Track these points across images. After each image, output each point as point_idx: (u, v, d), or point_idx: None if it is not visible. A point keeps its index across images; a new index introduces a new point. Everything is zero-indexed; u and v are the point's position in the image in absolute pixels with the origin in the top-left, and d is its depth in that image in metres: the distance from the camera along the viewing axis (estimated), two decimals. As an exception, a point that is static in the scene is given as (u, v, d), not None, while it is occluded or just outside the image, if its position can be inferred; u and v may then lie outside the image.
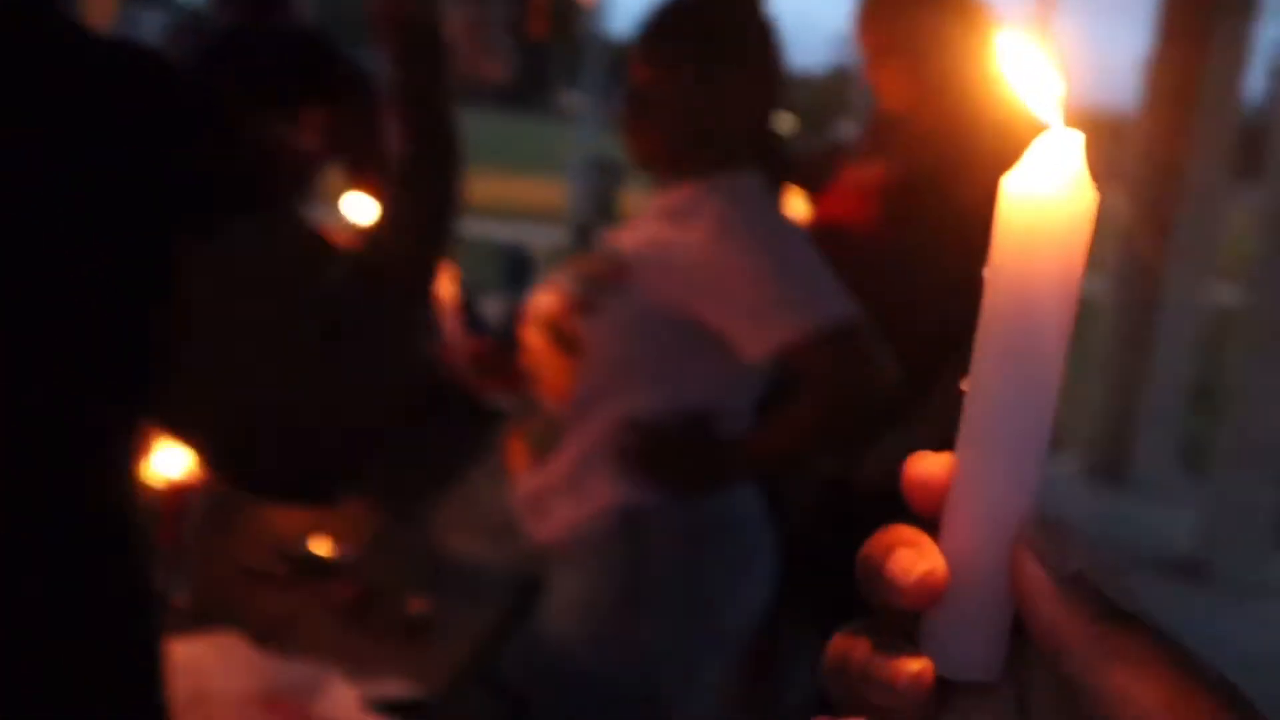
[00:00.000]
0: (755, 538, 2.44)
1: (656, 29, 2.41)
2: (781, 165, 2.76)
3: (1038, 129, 0.55)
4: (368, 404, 1.31)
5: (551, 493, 2.39)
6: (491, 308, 3.69)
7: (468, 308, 3.39)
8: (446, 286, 2.38)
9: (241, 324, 1.21)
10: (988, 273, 0.55)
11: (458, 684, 2.01)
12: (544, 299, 2.44)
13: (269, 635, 1.97)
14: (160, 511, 1.97)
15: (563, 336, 2.37)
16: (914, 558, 0.55)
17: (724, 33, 2.39)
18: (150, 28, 5.32)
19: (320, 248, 1.28)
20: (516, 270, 8.65)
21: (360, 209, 3.28)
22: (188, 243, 1.17)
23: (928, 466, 0.57)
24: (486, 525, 2.53)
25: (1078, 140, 0.54)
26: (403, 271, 1.44)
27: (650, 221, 2.41)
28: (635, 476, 2.33)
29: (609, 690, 2.33)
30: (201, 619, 1.98)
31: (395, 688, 1.89)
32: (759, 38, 2.41)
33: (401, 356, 1.38)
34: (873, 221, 2.93)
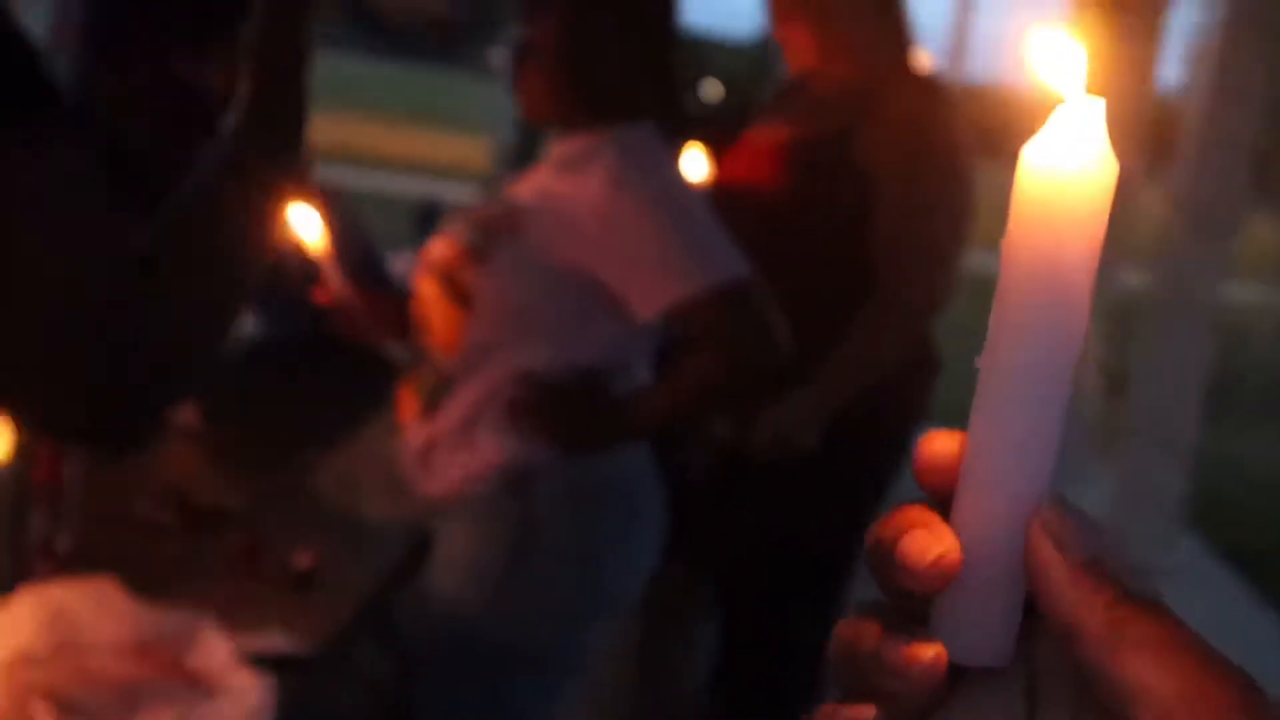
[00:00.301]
0: (645, 499, 2.42)
1: None
2: (682, 120, 2.75)
3: (1055, 99, 0.53)
4: (160, 345, 1.27)
5: (440, 446, 2.35)
6: (403, 265, 3.65)
7: (374, 262, 3.35)
8: (322, 237, 2.33)
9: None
10: (1005, 245, 0.53)
11: (343, 639, 1.99)
12: (438, 247, 2.40)
13: (152, 585, 1.92)
14: (36, 454, 1.92)
15: (454, 286, 2.33)
16: (928, 540, 0.53)
17: None
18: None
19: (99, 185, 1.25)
20: (431, 226, 8.56)
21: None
22: None
23: (939, 445, 0.56)
24: (383, 479, 2.49)
25: (1099, 110, 0.53)
26: (226, 214, 1.40)
27: (546, 171, 2.38)
28: (524, 432, 2.30)
29: (494, 647, 2.30)
30: (84, 565, 1.94)
31: (274, 641, 1.87)
32: None
33: (203, 302, 1.34)
34: (774, 182, 2.92)
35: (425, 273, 2.39)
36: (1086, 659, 0.50)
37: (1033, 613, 0.54)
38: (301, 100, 1.50)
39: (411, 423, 2.41)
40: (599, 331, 2.31)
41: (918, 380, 3.12)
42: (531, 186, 2.38)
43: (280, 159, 1.48)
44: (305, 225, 2.29)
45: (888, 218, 2.81)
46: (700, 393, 2.28)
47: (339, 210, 3.74)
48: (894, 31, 2.98)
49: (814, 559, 3.01)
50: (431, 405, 2.37)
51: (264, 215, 1.46)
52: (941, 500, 0.55)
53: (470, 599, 2.30)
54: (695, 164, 2.97)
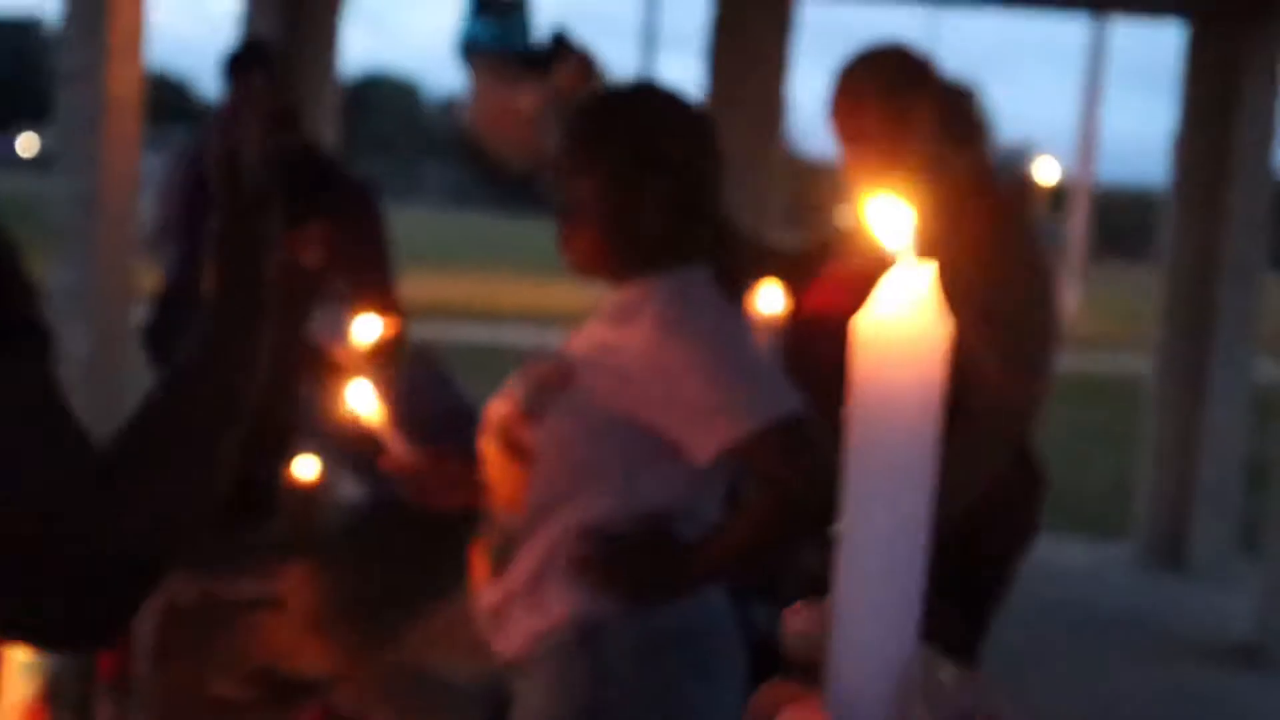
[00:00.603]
0: (722, 644, 2.37)
1: (576, 135, 2.39)
2: (741, 259, 2.74)
3: (890, 264, 0.55)
4: (132, 543, 1.29)
5: (510, 605, 2.34)
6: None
7: (466, 421, 3.36)
8: (379, 407, 2.36)
9: None
10: (848, 413, 0.55)
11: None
12: (497, 406, 2.40)
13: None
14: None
15: (512, 444, 2.33)
16: (801, 715, 0.53)
17: (641, 133, 2.36)
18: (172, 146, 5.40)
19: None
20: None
21: (368, 328, 3.28)
22: None
23: (805, 618, 0.56)
24: (466, 643, 2.48)
25: (928, 273, 0.54)
26: (195, 414, 1.42)
27: (597, 323, 2.39)
28: (591, 585, 2.28)
29: None
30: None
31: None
32: (683, 134, 2.39)
33: (181, 495, 1.36)
34: (850, 314, 2.89)
35: (486, 433, 2.40)
36: None
37: None
38: (262, 288, 1.53)
39: (482, 584, 2.40)
40: (659, 478, 2.30)
41: (1020, 496, 3.05)
42: (584, 339, 2.38)
43: (247, 342, 1.50)
44: (360, 398, 2.33)
45: (970, 335, 2.77)
46: (763, 533, 2.25)
47: (429, 370, 3.79)
48: (966, 149, 2.96)
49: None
50: (500, 565, 2.36)
51: (236, 394, 1.48)
52: (816, 673, 0.55)
53: None
54: (770, 300, 2.97)
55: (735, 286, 2.49)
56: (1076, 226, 29.83)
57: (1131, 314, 8.50)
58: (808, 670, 0.56)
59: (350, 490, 3.14)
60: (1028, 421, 2.90)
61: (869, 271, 2.22)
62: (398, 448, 2.39)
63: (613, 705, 2.27)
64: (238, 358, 1.50)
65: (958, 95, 2.99)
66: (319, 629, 2.53)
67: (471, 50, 3.76)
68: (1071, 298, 27.45)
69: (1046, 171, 37.13)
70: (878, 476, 0.54)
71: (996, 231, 2.85)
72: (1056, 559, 7.80)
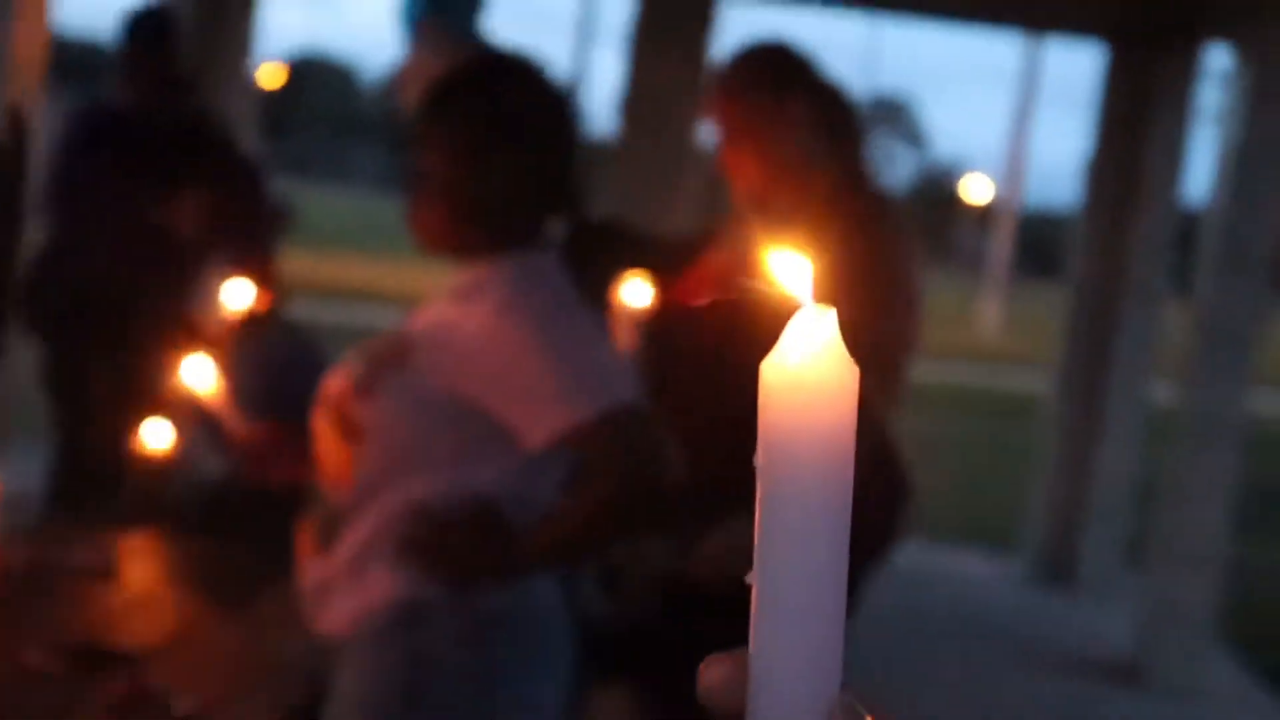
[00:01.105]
0: (548, 633, 2.34)
1: (428, 108, 2.36)
2: (610, 248, 2.72)
3: (793, 309, 0.55)
4: None
5: (333, 583, 2.30)
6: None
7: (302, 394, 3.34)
8: (215, 385, 2.33)
9: None
10: (758, 458, 0.55)
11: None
12: (332, 382, 2.37)
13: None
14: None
15: (343, 421, 2.30)
16: None
17: (496, 111, 2.33)
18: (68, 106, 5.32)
19: None
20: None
21: (239, 296, 3.23)
22: None
23: (722, 668, 0.55)
24: (294, 619, 2.44)
25: (831, 319, 0.55)
26: None
27: (442, 301, 2.35)
28: (415, 567, 2.24)
29: None
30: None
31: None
32: (537, 111, 2.36)
33: None
34: (716, 308, 2.89)
35: (320, 409, 2.36)
36: None
37: None
38: None
39: (307, 561, 2.36)
40: (490, 461, 2.26)
41: (878, 499, 3.05)
42: (427, 317, 2.35)
43: None
44: (196, 372, 2.30)
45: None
46: (593, 521, 2.22)
47: (304, 349, 3.75)
48: (842, 154, 2.96)
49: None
50: (326, 542, 2.32)
51: None
52: None
53: None
54: (636, 291, 2.95)
55: (594, 275, 2.47)
56: (1000, 245, 30.10)
57: (1050, 332, 8.62)
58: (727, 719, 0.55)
59: (214, 464, 3.09)
60: (879, 428, 2.90)
61: (735, 264, 2.22)
62: (233, 422, 2.35)
63: (431, 690, 2.23)
64: None
65: (835, 96, 2.98)
66: (146, 603, 2.49)
67: (413, 19, 3.72)
68: (994, 315, 27.69)
69: (977, 189, 37.42)
70: (791, 522, 0.54)
71: (857, 235, 2.84)
72: (948, 570, 7.86)
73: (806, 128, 2.92)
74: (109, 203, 4.25)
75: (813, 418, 0.53)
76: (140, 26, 4.56)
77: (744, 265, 3.02)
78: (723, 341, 2.89)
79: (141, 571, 2.59)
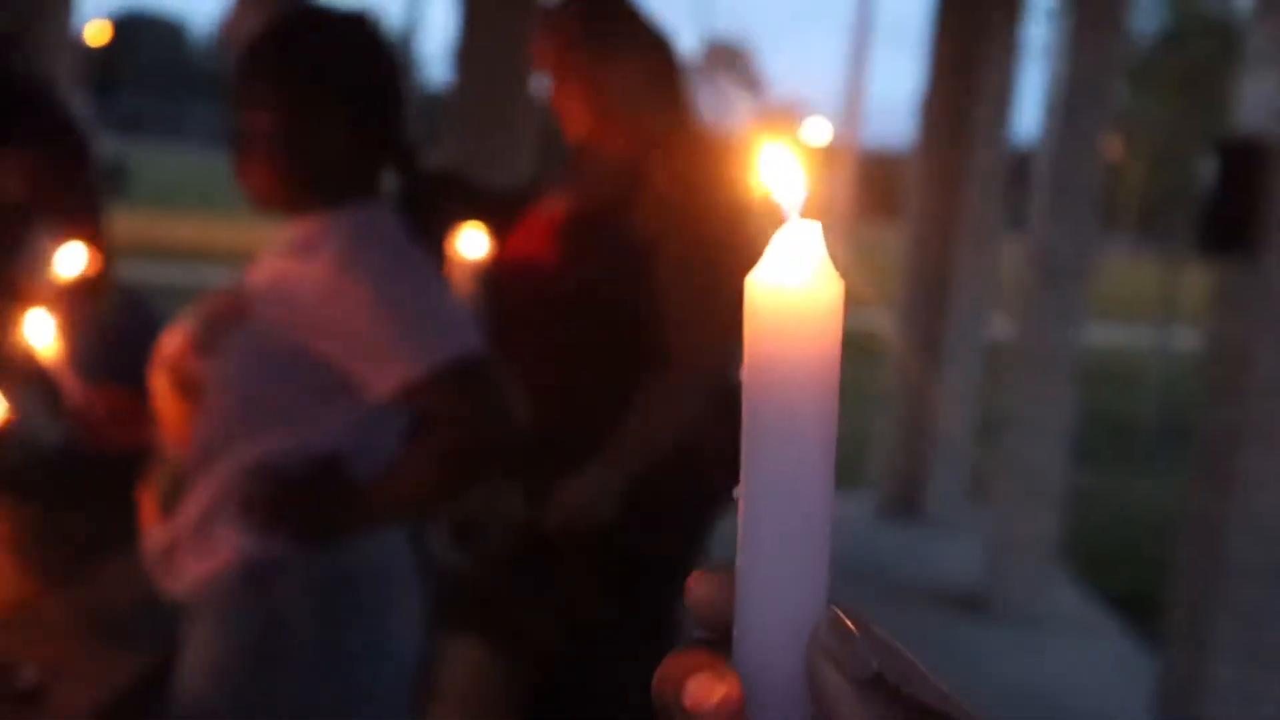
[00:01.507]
0: (398, 586, 2.33)
1: (247, 68, 2.32)
2: (444, 198, 2.70)
3: (778, 221, 0.53)
4: None
5: (178, 546, 2.27)
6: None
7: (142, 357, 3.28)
8: (54, 344, 2.27)
9: None
10: (744, 375, 0.53)
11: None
12: (169, 341, 2.33)
13: None
14: None
15: (182, 380, 2.26)
16: (709, 683, 0.52)
17: (315, 60, 2.30)
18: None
19: None
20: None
21: (71, 260, 3.15)
22: None
23: (709, 583, 0.55)
24: (140, 583, 2.40)
25: (817, 231, 0.53)
26: None
27: (277, 256, 2.32)
28: (259, 526, 2.21)
29: None
30: None
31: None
32: (360, 61, 2.34)
33: None
34: (553, 258, 2.89)
35: (157, 368, 2.32)
36: None
37: None
38: None
39: (151, 524, 2.32)
40: (334, 416, 2.23)
41: (726, 447, 3.08)
42: (263, 272, 2.31)
43: None
44: (38, 333, 2.24)
45: (666, 283, 2.78)
46: (438, 473, 2.21)
47: (139, 312, 3.68)
48: (668, 99, 2.97)
49: (617, 632, 2.96)
50: (169, 505, 2.28)
51: None
52: (720, 639, 0.54)
53: (215, 706, 2.21)
54: (473, 243, 2.94)
55: (433, 225, 2.45)
56: (841, 186, 30.41)
57: (891, 273, 8.74)
58: (713, 636, 0.55)
59: (47, 431, 3.02)
60: (724, 369, 2.92)
61: (563, 219, 2.21)
62: (71, 386, 2.30)
63: (282, 649, 2.21)
64: None
65: (658, 42, 2.99)
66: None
67: None
68: (836, 256, 28.02)
69: (817, 132, 37.73)
70: (777, 438, 0.53)
71: (689, 178, 2.86)
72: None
73: (632, 74, 2.93)
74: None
75: (798, 332, 0.52)
76: None
77: (565, 212, 3.03)
78: (563, 291, 2.89)
79: (-22, 543, 2.53)
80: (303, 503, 2.21)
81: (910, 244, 8.14)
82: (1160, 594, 5.31)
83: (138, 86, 52.18)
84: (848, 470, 9.22)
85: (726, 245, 2.82)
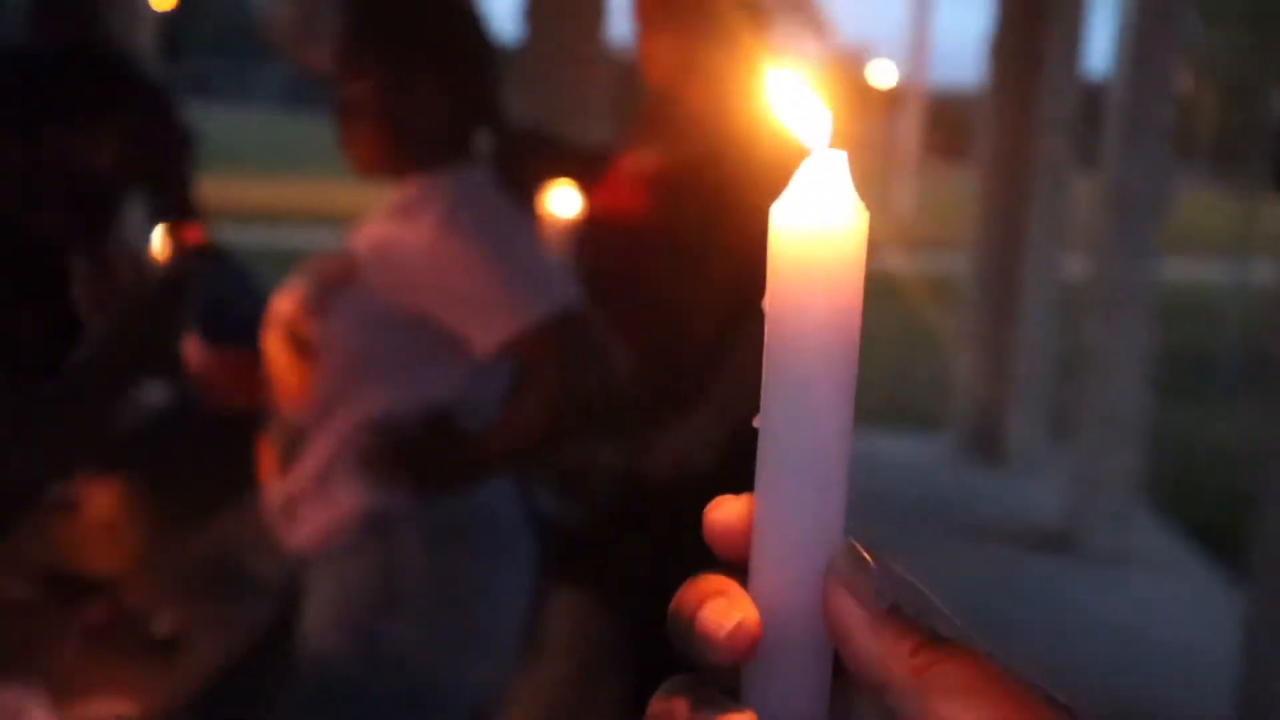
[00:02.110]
0: (510, 533, 2.43)
1: (350, 32, 2.40)
2: (530, 158, 2.76)
3: (801, 154, 0.54)
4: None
5: (299, 499, 2.37)
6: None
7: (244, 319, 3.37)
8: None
9: None
10: (766, 307, 0.53)
11: (199, 702, 2.00)
12: (281, 303, 2.42)
13: (10, 664, 1.94)
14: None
15: (296, 340, 2.35)
16: (725, 608, 0.52)
17: (416, 34, 2.38)
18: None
19: None
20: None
21: (175, 233, 3.25)
22: None
23: (727, 511, 0.55)
24: (261, 535, 2.50)
25: (842, 162, 0.53)
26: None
27: (382, 219, 2.41)
28: (378, 478, 2.31)
29: (367, 695, 2.31)
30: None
31: (105, 709, 1.88)
32: (461, 34, 2.41)
33: None
34: (645, 212, 2.93)
35: (271, 330, 2.41)
36: (899, 711, 0.49)
37: (843, 670, 0.53)
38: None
39: (270, 479, 2.42)
40: (443, 371, 2.34)
41: None
42: (368, 235, 2.40)
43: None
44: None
45: (759, 232, 2.82)
46: (542, 422, 2.31)
47: (228, 271, 3.77)
48: (753, 46, 2.99)
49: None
50: (288, 460, 2.38)
51: None
52: (739, 565, 0.54)
53: (340, 650, 2.31)
54: (564, 201, 2.99)
55: (522, 185, 2.52)
56: (909, 128, 30.18)
57: (962, 215, 8.69)
58: (731, 563, 0.55)
59: (153, 393, 3.12)
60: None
61: (650, 169, 2.27)
62: (193, 349, 2.40)
63: (403, 595, 2.31)
64: None
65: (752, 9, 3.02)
66: (111, 529, 2.54)
67: None
68: (906, 200, 27.81)
69: (883, 75, 37.41)
70: (798, 368, 0.53)
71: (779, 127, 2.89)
72: (880, 452, 7.99)
73: (723, 21, 2.95)
74: (19, 146, 4.20)
75: (822, 263, 0.52)
76: None
77: (655, 166, 3.07)
78: (657, 245, 2.95)
79: (102, 500, 2.64)
80: (418, 453, 2.31)
81: (982, 184, 8.11)
82: (1244, 528, 5.32)
83: (204, 50, 52.40)
84: (927, 413, 9.24)
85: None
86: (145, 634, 2.10)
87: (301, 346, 2.34)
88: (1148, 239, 6.43)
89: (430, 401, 2.33)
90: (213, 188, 4.55)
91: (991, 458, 7.99)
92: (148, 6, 7.72)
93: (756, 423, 0.54)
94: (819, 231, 0.52)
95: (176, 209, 3.63)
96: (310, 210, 19.11)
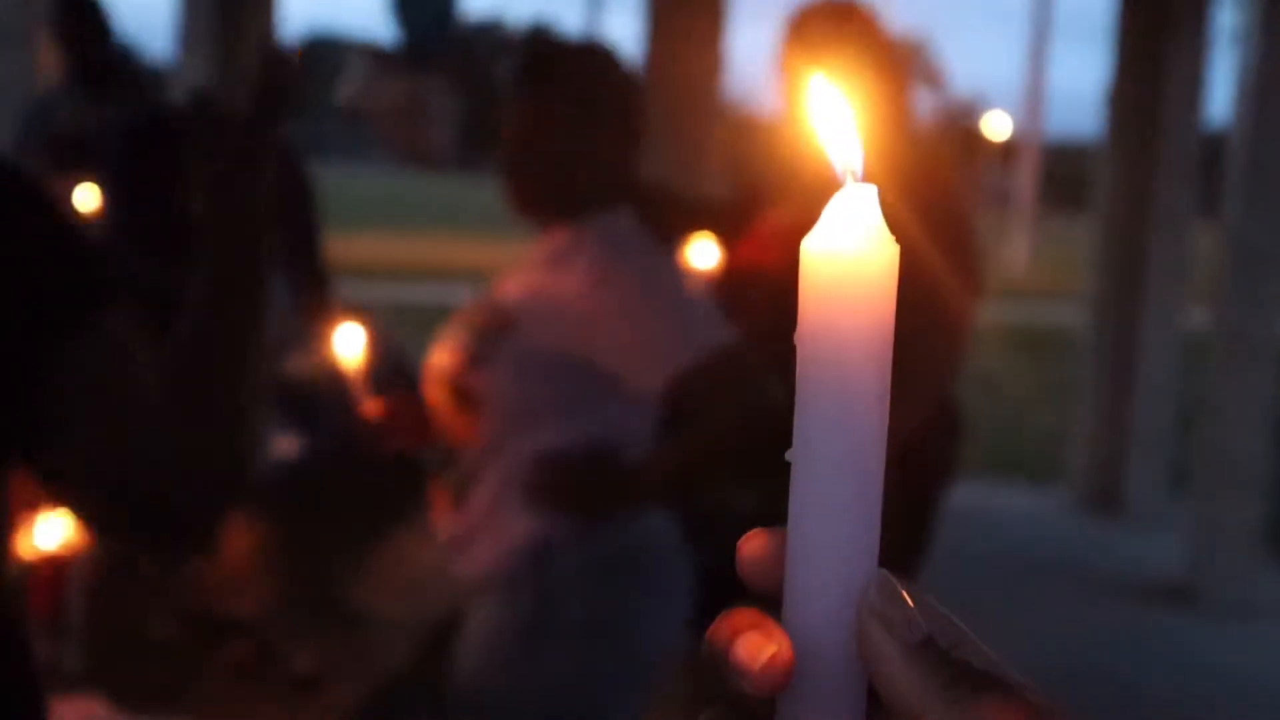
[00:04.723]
0: (665, 566, 2.53)
1: (524, 82, 2.49)
2: (664, 213, 2.82)
3: (836, 186, 0.54)
4: (205, 461, 1.42)
5: (472, 531, 2.48)
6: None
7: (404, 372, 3.44)
8: (360, 356, 2.47)
9: (97, 398, 1.38)
10: (798, 338, 0.54)
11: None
12: (439, 355, 2.52)
13: (157, 700, 2.02)
14: (36, 582, 2.02)
15: (460, 391, 2.45)
16: (759, 642, 0.53)
17: (586, 84, 2.49)
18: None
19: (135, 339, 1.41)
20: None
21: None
22: (50, 340, 1.34)
23: (760, 543, 0.56)
24: (399, 581, 2.59)
25: (872, 194, 0.53)
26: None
27: (533, 269, 2.50)
28: (544, 508, 2.41)
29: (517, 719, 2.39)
30: (93, 686, 2.04)
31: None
32: (619, 91, 2.51)
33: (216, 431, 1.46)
34: (790, 265, 2.96)
35: (432, 382, 2.51)
36: None
37: (877, 702, 0.53)
38: (256, 281, 1.55)
39: (445, 518, 2.52)
40: (601, 409, 2.44)
41: (939, 440, 3.15)
42: (519, 284, 2.50)
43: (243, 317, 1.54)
44: (347, 345, 2.44)
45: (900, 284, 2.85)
46: (702, 454, 2.41)
47: (370, 327, 3.86)
48: (894, 102, 3.04)
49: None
50: (461, 499, 2.49)
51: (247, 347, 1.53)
52: (772, 599, 0.55)
53: (491, 676, 2.40)
54: (703, 253, 3.04)
55: (660, 239, 2.60)
56: (1025, 179, 29.98)
57: (1079, 264, 8.64)
58: (765, 596, 0.55)
59: (282, 443, 3.22)
60: (954, 371, 3.00)
61: (799, 223, 2.30)
62: (367, 395, 2.50)
63: (556, 620, 2.40)
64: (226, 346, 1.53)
65: (889, 44, 3.07)
66: (251, 572, 2.62)
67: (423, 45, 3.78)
68: (1020, 250, 27.59)
69: (998, 126, 37.25)
70: (831, 400, 0.53)
71: (920, 183, 2.91)
72: (996, 505, 7.94)
73: (869, 79, 2.99)
74: (151, 198, 4.32)
75: (852, 297, 0.52)
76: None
77: (801, 226, 3.08)
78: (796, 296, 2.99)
79: (240, 544, 2.72)
80: (581, 484, 2.41)
81: (1100, 234, 8.07)
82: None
83: (321, 110, 53.34)
84: (1045, 465, 9.16)
85: (949, 243, 2.88)
86: (287, 672, 2.17)
87: (465, 396, 2.44)
88: (1269, 289, 6.37)
89: (592, 436, 2.43)
90: (334, 244, 4.66)
91: (1111, 510, 7.91)
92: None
93: (789, 455, 0.55)
94: (850, 264, 0.53)
95: (305, 266, 3.72)
96: (427, 266, 19.36)
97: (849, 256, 0.53)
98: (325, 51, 57.57)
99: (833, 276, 0.53)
